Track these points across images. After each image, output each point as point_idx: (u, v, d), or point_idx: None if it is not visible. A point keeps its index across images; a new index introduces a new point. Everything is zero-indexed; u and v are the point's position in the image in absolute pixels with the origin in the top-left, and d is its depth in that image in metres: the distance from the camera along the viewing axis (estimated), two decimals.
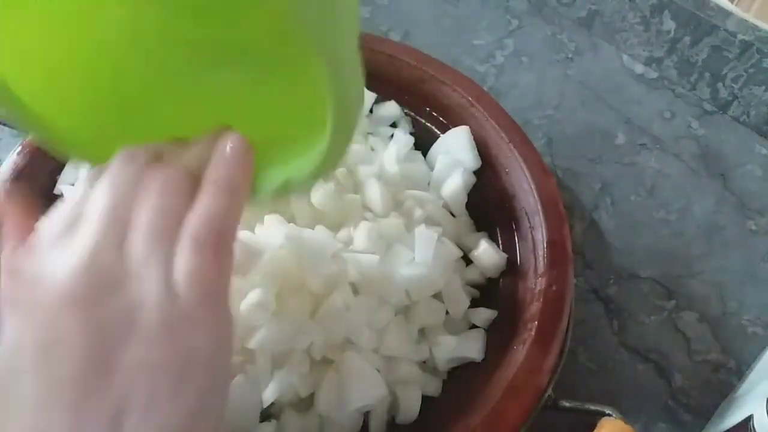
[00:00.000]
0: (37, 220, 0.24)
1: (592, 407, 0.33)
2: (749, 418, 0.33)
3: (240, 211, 0.24)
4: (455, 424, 0.33)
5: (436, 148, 0.44)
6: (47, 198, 0.41)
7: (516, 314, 0.37)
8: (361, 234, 0.36)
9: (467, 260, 0.40)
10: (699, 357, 0.43)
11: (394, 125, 0.46)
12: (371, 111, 0.46)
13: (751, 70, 0.53)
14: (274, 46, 0.27)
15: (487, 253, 0.39)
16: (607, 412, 0.33)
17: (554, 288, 0.36)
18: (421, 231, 0.37)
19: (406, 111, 0.47)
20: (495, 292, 0.40)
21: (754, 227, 0.50)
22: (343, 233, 0.36)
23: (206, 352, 0.22)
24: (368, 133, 0.44)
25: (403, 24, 0.62)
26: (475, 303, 0.39)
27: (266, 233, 0.34)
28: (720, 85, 0.55)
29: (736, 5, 0.53)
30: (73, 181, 0.42)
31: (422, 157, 0.44)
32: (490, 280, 0.40)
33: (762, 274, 0.47)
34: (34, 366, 0.21)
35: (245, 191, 0.25)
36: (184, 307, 0.22)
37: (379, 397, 0.34)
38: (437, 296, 0.38)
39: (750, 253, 0.48)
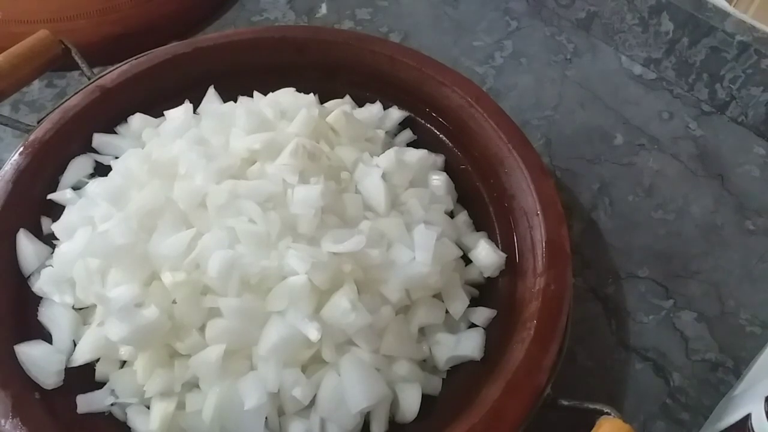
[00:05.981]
0: None
1: (591, 406, 0.33)
2: (747, 416, 0.34)
3: None
4: (455, 422, 0.33)
5: None
6: (49, 198, 0.41)
7: (515, 313, 0.37)
8: (362, 233, 0.36)
9: (467, 260, 0.41)
10: (697, 356, 0.44)
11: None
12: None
13: (749, 71, 0.53)
14: None
15: (486, 252, 0.40)
16: (606, 410, 0.33)
17: (553, 287, 0.36)
18: (421, 230, 0.37)
19: (406, 112, 0.47)
20: (494, 292, 0.40)
21: (752, 227, 0.50)
22: (343, 233, 0.36)
23: None
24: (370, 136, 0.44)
25: (403, 25, 0.62)
26: (474, 302, 0.39)
27: (290, 261, 0.34)
28: (718, 85, 0.56)
29: (734, 6, 0.53)
30: (74, 182, 0.42)
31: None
32: (489, 279, 0.40)
33: (760, 273, 0.47)
34: None
35: None
36: None
37: (380, 398, 0.34)
38: (437, 295, 0.38)
39: (748, 252, 0.49)
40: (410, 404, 0.35)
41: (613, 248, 0.48)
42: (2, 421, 0.31)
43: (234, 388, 0.33)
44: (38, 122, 0.42)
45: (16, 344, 0.35)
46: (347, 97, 0.47)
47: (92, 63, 0.47)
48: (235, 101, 0.44)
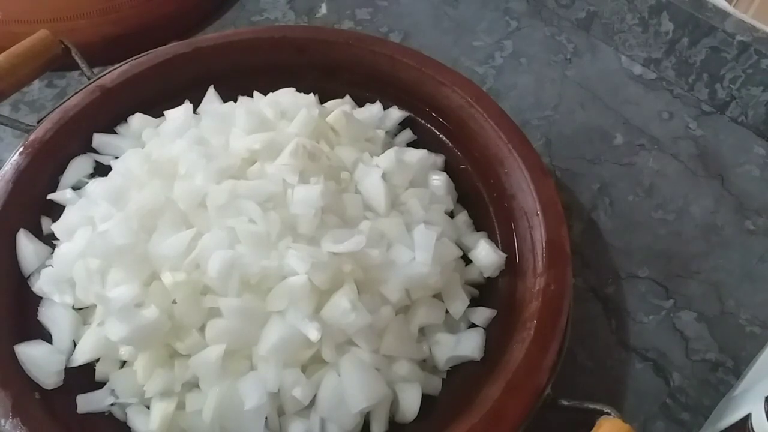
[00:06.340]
0: None
1: (591, 406, 0.33)
2: (747, 416, 0.34)
3: None
4: (455, 422, 0.33)
5: None
6: (49, 198, 0.41)
7: (515, 313, 0.37)
8: (362, 233, 0.36)
9: (467, 260, 0.41)
10: (697, 356, 0.44)
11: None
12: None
13: (749, 71, 0.53)
14: None
15: (486, 252, 0.40)
16: (606, 410, 0.33)
17: (553, 287, 0.36)
18: (421, 230, 0.37)
19: (406, 112, 0.47)
20: (494, 292, 0.40)
21: (752, 227, 0.50)
22: (343, 233, 0.36)
23: None
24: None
25: (403, 25, 0.62)
26: (474, 302, 0.39)
27: (290, 261, 0.34)
28: (718, 85, 0.56)
29: (734, 6, 0.53)
30: (74, 182, 0.42)
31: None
32: (489, 279, 0.40)
33: (760, 273, 0.47)
34: None
35: None
36: None
37: (380, 398, 0.34)
38: (437, 295, 0.38)
39: (748, 252, 0.49)
40: (410, 404, 0.35)
41: (613, 248, 0.48)
42: (2, 421, 0.31)
43: (234, 388, 0.33)
44: (38, 122, 0.42)
45: (16, 344, 0.35)
46: (347, 97, 0.47)
47: (92, 63, 0.47)
48: (235, 101, 0.44)
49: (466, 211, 0.44)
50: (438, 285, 0.37)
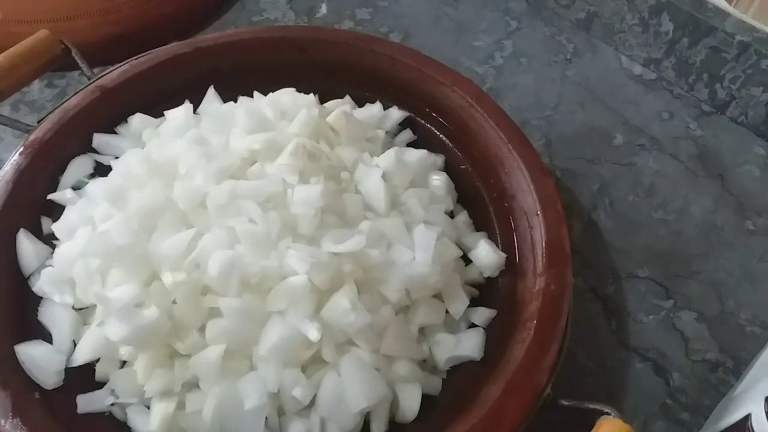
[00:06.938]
0: None
1: (591, 406, 0.33)
2: (747, 416, 0.34)
3: None
4: (455, 422, 0.33)
5: None
6: (49, 198, 0.41)
7: (515, 313, 0.37)
8: (362, 233, 0.36)
9: (467, 260, 0.41)
10: (697, 356, 0.44)
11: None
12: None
13: (749, 71, 0.53)
14: None
15: (486, 252, 0.40)
16: (606, 410, 0.33)
17: (553, 287, 0.36)
18: (421, 231, 0.37)
19: (406, 112, 0.47)
20: (494, 292, 0.40)
21: (752, 227, 0.50)
22: (343, 233, 0.36)
23: None
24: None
25: (403, 25, 0.62)
26: (474, 302, 0.39)
27: (290, 261, 0.34)
28: (718, 85, 0.56)
29: (734, 6, 0.53)
30: (74, 182, 0.42)
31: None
32: (489, 279, 0.40)
33: (760, 273, 0.47)
34: None
35: None
36: None
37: (380, 398, 0.34)
38: (437, 295, 0.38)
39: (748, 252, 0.49)
40: (410, 404, 0.35)
41: (613, 248, 0.48)
42: (2, 421, 0.31)
43: (234, 388, 0.33)
44: (38, 122, 0.42)
45: (16, 344, 0.35)
46: (347, 97, 0.47)
47: (92, 63, 0.47)
48: (235, 101, 0.44)
49: (466, 211, 0.44)
50: (438, 285, 0.37)
